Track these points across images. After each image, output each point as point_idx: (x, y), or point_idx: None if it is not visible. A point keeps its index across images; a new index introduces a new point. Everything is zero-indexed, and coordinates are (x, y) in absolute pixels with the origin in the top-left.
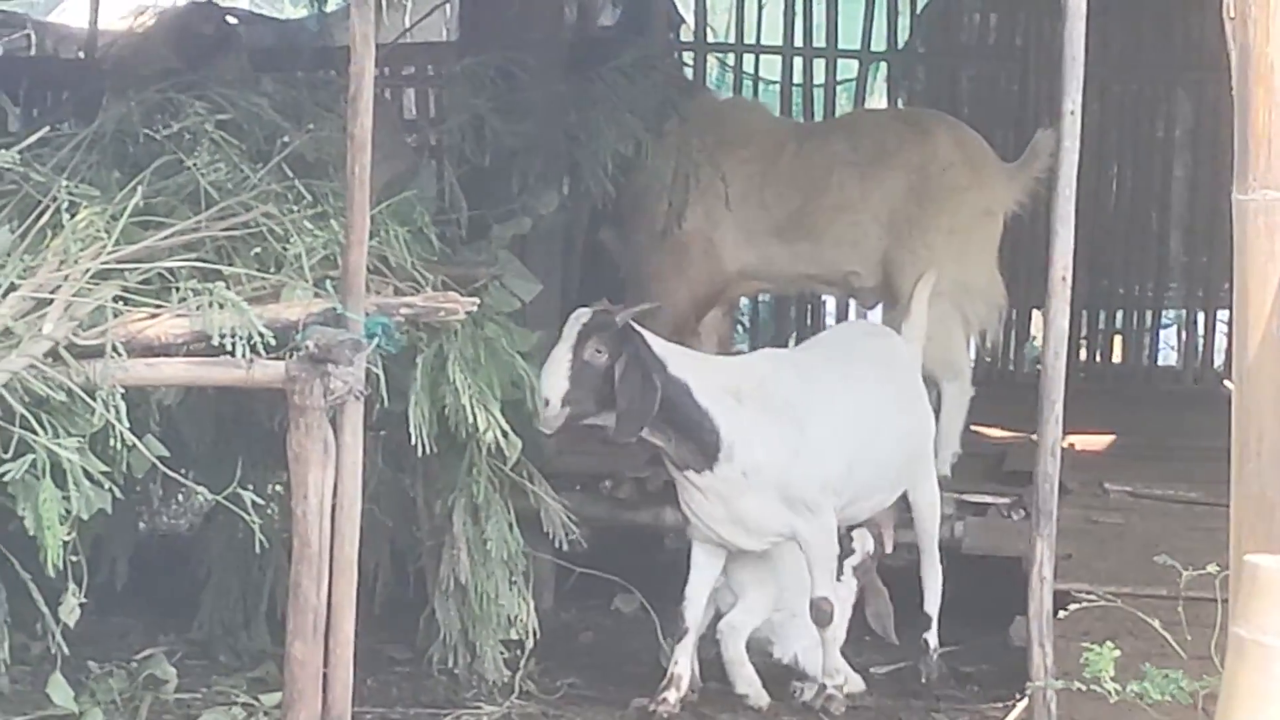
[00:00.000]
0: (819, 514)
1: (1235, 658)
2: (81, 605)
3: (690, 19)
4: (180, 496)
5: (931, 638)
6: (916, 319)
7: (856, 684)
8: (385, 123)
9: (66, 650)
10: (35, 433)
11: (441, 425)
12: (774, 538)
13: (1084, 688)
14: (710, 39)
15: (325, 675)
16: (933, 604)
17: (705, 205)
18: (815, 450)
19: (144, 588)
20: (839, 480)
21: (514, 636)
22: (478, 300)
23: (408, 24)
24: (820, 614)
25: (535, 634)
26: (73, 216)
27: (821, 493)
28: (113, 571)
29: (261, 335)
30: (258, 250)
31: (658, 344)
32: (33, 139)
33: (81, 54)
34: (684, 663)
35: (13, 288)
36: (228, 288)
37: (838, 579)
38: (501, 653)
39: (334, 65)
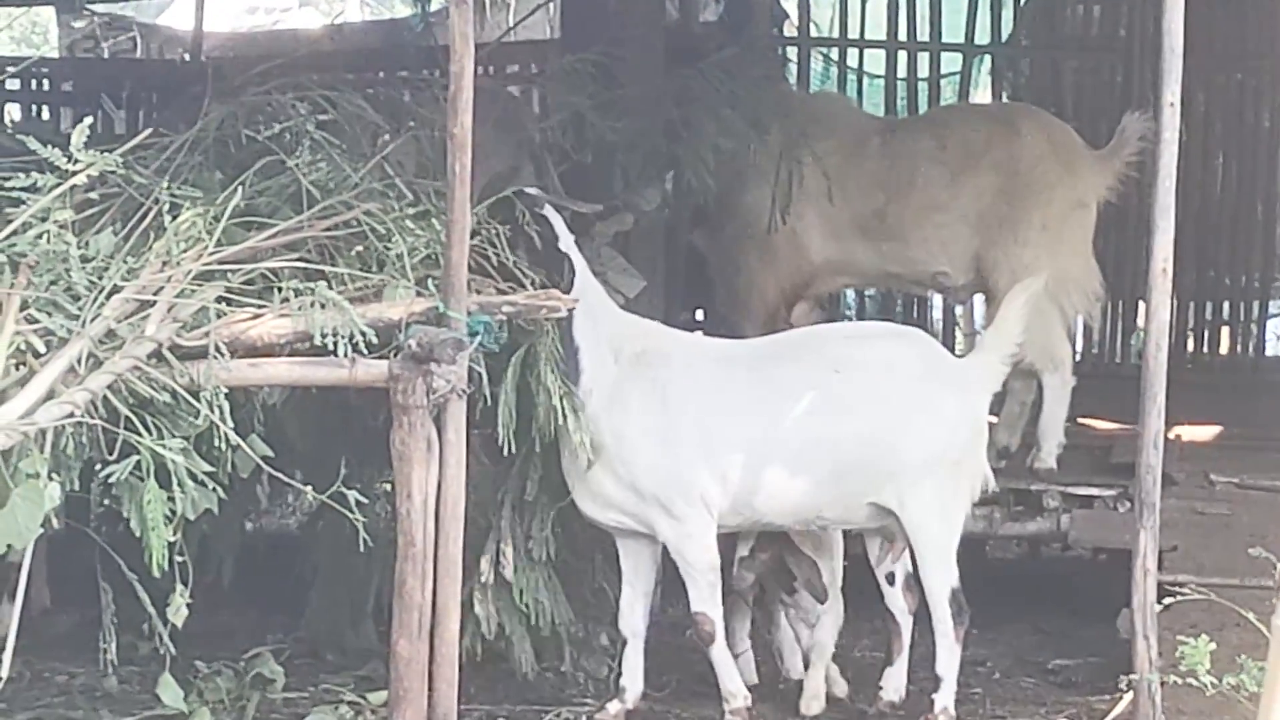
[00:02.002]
0: (682, 521)
1: (1277, 646)
2: (189, 605)
3: (793, 14)
4: (289, 496)
5: (941, 698)
6: (1004, 328)
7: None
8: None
9: (174, 650)
10: (140, 434)
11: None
12: (619, 517)
13: (1181, 680)
14: (814, 34)
15: (431, 673)
16: (944, 663)
17: (791, 197)
18: (678, 447)
19: (252, 587)
20: (716, 486)
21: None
22: (578, 299)
23: (511, 22)
24: (700, 632)
25: None
26: (175, 218)
27: (685, 496)
28: (220, 571)
29: (364, 334)
30: (359, 250)
31: (577, 261)
32: (134, 141)
33: (187, 56)
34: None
35: (116, 290)
36: (330, 287)
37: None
38: (608, 650)
39: (438, 64)
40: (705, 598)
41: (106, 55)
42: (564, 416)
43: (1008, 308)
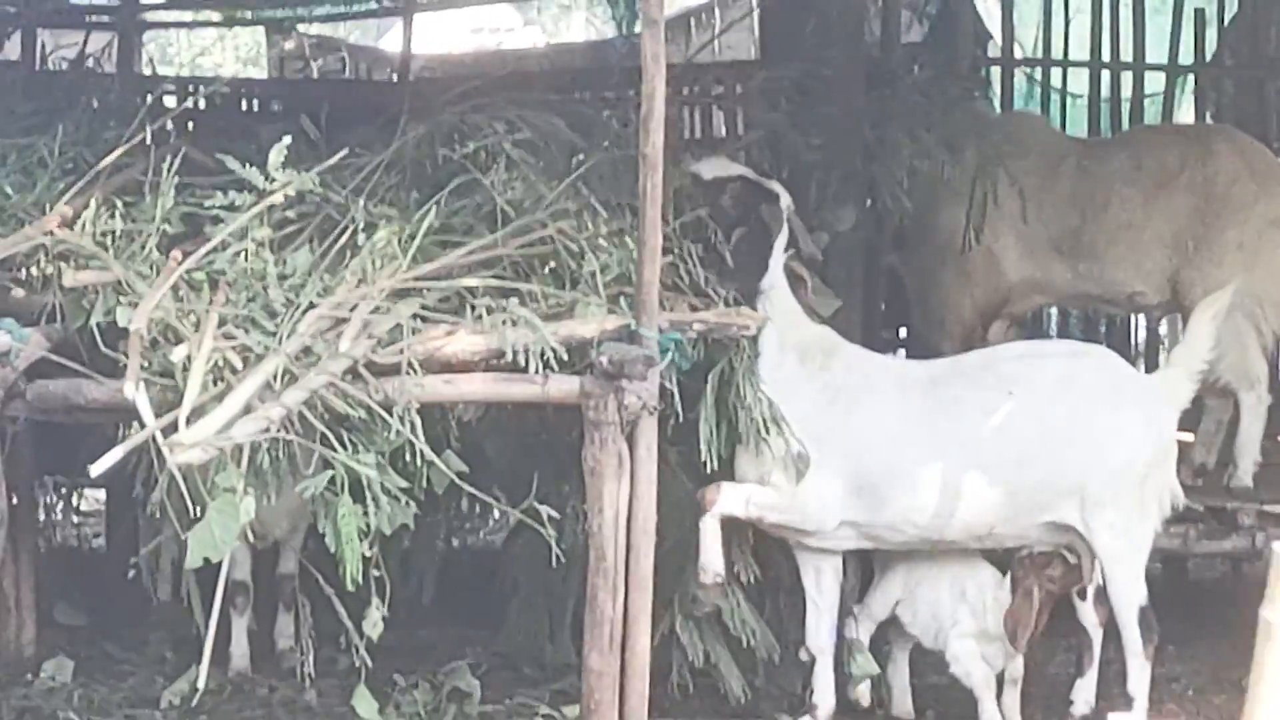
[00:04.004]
0: (799, 493)
1: (1263, 640)
2: (386, 619)
3: (997, 34)
4: (493, 512)
5: (1132, 718)
6: (1192, 344)
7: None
8: None
9: (370, 663)
10: (335, 450)
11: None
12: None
13: None
14: (1017, 54)
15: (622, 686)
16: (1135, 682)
17: (987, 216)
18: (826, 448)
19: (454, 602)
20: (849, 496)
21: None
22: (768, 316)
23: (716, 44)
24: (705, 497)
25: None
26: (370, 237)
27: (815, 483)
28: (420, 586)
29: (554, 351)
30: (553, 267)
31: (774, 273)
32: (330, 161)
33: (395, 77)
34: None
35: (312, 306)
36: (523, 305)
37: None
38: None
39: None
40: (735, 500)
41: (315, 75)
42: (769, 430)
43: (1196, 323)
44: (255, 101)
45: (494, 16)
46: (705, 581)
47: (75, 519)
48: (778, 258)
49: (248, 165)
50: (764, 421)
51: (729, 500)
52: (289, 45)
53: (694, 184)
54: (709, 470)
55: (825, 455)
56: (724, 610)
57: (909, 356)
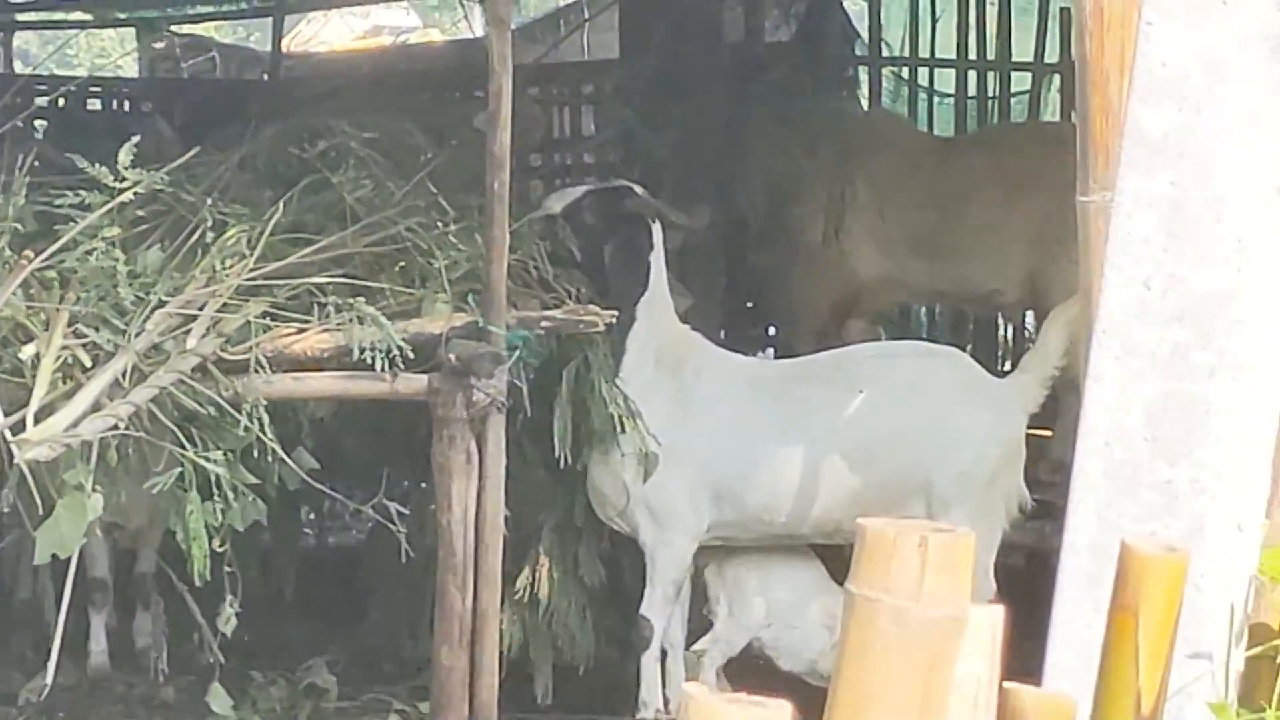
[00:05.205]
0: (665, 528)
1: (847, 613)
2: (248, 617)
3: (865, 33)
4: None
5: None
6: (1044, 350)
7: None
8: None
9: (226, 660)
10: (184, 447)
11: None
12: (611, 515)
13: None
14: (885, 53)
15: (472, 681)
16: None
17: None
18: (687, 458)
19: (317, 599)
20: (712, 502)
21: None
22: (618, 311)
23: (586, 43)
24: (640, 635)
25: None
26: (219, 235)
27: (677, 506)
28: (282, 583)
29: (400, 349)
30: (402, 265)
31: (655, 275)
32: (181, 160)
33: (266, 76)
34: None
35: (161, 304)
36: (368, 303)
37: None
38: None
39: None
40: (656, 605)
41: (185, 75)
42: (622, 427)
43: (1049, 330)
44: (125, 102)
45: (393, 16)
46: (646, 717)
47: None
48: (659, 252)
49: (96, 165)
50: (618, 419)
51: (657, 621)
52: (159, 45)
53: (554, 222)
54: (561, 465)
55: (677, 458)
56: (549, 611)
57: (778, 355)
